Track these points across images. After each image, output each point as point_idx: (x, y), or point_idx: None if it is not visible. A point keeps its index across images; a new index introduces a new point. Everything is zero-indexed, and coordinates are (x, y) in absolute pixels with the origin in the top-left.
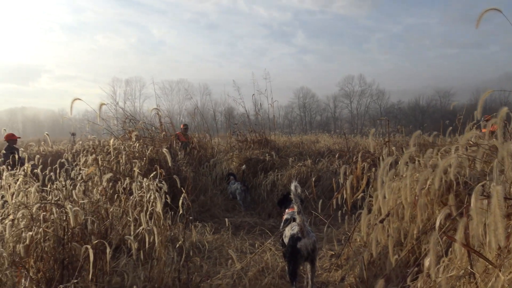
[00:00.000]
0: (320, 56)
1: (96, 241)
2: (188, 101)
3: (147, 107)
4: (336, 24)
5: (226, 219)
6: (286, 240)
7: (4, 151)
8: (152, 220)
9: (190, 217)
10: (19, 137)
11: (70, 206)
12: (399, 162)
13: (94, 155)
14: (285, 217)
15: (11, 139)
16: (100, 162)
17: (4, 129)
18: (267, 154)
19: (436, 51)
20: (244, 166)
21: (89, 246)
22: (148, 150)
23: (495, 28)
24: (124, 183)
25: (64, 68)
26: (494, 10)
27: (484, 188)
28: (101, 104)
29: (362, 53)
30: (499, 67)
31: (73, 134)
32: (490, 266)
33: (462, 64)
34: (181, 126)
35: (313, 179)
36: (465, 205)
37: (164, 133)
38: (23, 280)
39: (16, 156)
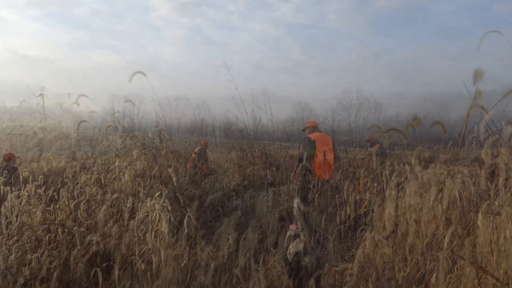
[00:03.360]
0: (317, 70)
1: (104, 264)
2: (186, 117)
3: (145, 123)
4: (330, 38)
5: (230, 237)
6: (290, 257)
7: (6, 171)
8: (158, 240)
9: (194, 236)
10: (18, 157)
11: (76, 227)
12: (403, 179)
13: (96, 174)
14: (288, 233)
15: (11, 159)
16: (102, 181)
17: (6, 149)
18: (268, 170)
19: (432, 63)
20: (245, 181)
21: (98, 270)
22: (153, 170)
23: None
24: (127, 202)
25: (60, 86)
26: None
27: (490, 206)
28: (108, 126)
29: (358, 66)
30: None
31: (73, 152)
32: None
33: (459, 76)
34: (202, 142)
35: (317, 195)
36: (471, 224)
37: (165, 150)
38: None
39: (20, 177)
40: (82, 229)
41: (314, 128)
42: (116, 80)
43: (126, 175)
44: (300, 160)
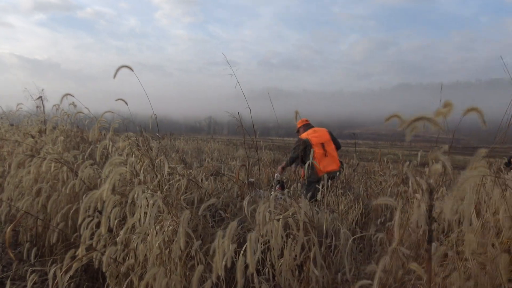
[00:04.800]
0: (323, 64)
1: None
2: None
3: (143, 122)
4: (335, 31)
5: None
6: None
7: None
8: (149, 253)
9: None
10: None
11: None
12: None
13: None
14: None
15: None
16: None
17: None
18: (275, 168)
19: (439, 52)
20: (252, 179)
21: None
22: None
23: None
24: (111, 212)
25: (67, 89)
26: None
27: None
28: (98, 126)
29: (365, 58)
30: None
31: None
32: None
33: (467, 65)
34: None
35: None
36: None
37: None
38: None
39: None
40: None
41: (307, 126)
42: (123, 81)
43: (107, 183)
44: (291, 162)
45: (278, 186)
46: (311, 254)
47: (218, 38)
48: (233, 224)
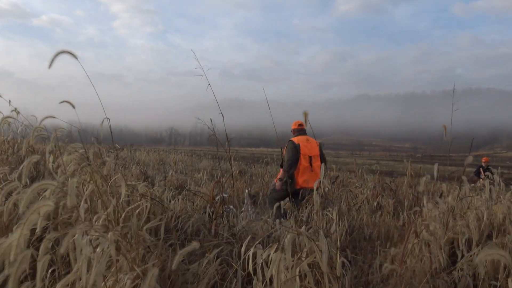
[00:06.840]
0: (283, 75)
1: None
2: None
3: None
4: (295, 43)
5: None
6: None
7: None
8: None
9: None
10: None
11: None
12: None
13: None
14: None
15: None
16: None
17: None
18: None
19: (395, 64)
20: (224, 195)
21: None
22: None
23: None
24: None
25: (23, 99)
26: None
27: None
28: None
29: (324, 70)
30: None
31: None
32: None
33: (421, 76)
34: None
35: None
36: None
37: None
38: None
39: None
40: None
41: (300, 131)
42: (82, 91)
43: (18, 231)
44: (290, 168)
45: (251, 201)
46: None
47: (179, 48)
48: None
